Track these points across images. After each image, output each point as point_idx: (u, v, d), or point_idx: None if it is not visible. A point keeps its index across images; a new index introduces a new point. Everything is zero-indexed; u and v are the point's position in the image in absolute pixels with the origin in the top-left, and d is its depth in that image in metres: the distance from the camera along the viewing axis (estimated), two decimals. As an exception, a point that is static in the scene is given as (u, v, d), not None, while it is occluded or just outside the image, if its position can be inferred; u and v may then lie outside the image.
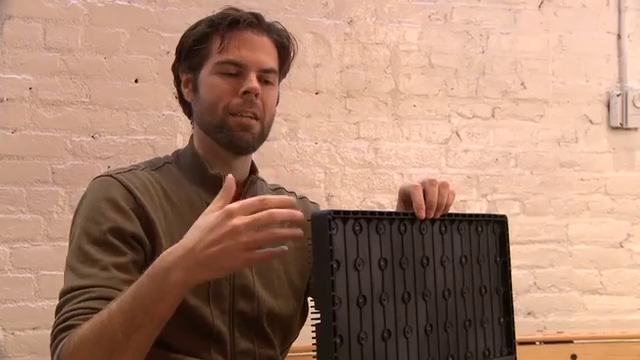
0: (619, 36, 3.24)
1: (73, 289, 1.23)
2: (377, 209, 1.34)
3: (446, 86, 3.04)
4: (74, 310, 1.20)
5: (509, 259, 1.40)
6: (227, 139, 1.39)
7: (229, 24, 1.38)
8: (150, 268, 1.14)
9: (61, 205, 2.49)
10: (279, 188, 1.59)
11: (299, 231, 1.13)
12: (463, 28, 3.08)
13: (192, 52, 1.41)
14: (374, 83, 2.94)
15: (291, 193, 1.59)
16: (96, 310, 1.17)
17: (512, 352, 1.38)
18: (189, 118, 1.50)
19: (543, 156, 3.15)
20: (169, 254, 1.13)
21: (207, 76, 1.39)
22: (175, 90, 1.50)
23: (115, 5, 2.63)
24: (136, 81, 2.65)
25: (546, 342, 2.81)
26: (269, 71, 1.41)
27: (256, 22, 1.41)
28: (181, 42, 1.45)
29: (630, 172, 3.22)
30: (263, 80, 1.40)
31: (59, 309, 1.23)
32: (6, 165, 2.49)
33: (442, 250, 1.27)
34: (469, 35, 3.08)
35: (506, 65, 3.12)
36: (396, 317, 1.17)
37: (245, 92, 1.36)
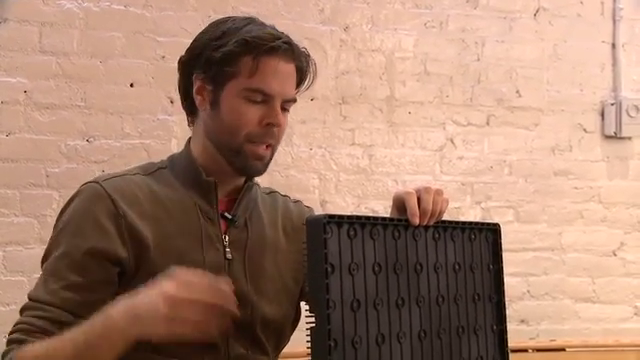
0: (614, 45, 3.26)
1: (35, 300, 1.31)
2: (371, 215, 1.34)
3: (441, 93, 3.05)
4: (25, 324, 1.28)
5: (502, 267, 1.40)
6: (241, 165, 1.39)
7: (266, 51, 1.35)
8: (104, 310, 1.22)
9: (55, 209, 2.48)
10: (273, 192, 1.58)
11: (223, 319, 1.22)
12: (458, 36, 3.09)
13: (217, 66, 1.37)
14: (369, 90, 2.95)
15: (285, 197, 1.59)
16: (44, 331, 1.26)
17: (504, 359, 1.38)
18: (189, 119, 1.47)
19: (537, 164, 3.16)
20: (122, 301, 1.21)
21: (232, 97, 1.36)
22: (172, 91, 1.49)
23: (111, 9, 2.63)
24: (131, 85, 2.65)
25: (539, 350, 2.82)
26: (291, 101, 1.41)
27: (290, 51, 1.38)
28: (202, 46, 1.40)
29: (624, 181, 3.23)
30: (282, 108, 1.39)
31: (20, 313, 1.32)
32: (1, 168, 2.49)
33: (435, 257, 1.27)
34: (464, 43, 3.09)
35: (501, 73, 3.13)
36: (390, 322, 1.17)
37: (268, 124, 1.37)
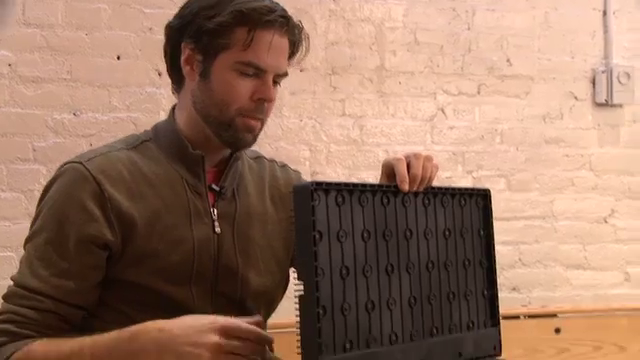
0: (605, 12, 3.23)
1: (23, 287, 1.27)
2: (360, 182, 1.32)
3: (432, 63, 3.02)
4: (15, 314, 1.25)
5: (492, 233, 1.40)
6: (231, 139, 1.37)
7: (261, 24, 1.32)
8: (131, 333, 1.19)
9: (42, 183, 2.44)
10: (259, 157, 1.56)
11: None
12: (449, 5, 3.05)
13: (208, 36, 1.33)
14: (359, 60, 2.92)
15: (272, 162, 1.57)
16: (38, 323, 1.24)
17: (496, 324, 1.38)
18: (175, 87, 1.44)
19: (528, 132, 3.15)
20: (154, 330, 1.18)
21: (224, 70, 1.33)
22: (159, 63, 1.46)
23: (95, -19, 2.59)
24: (118, 58, 2.60)
25: (530, 316, 2.82)
26: (283, 75, 1.39)
27: (285, 24, 1.35)
28: (194, 14, 1.35)
29: (615, 148, 3.22)
30: (274, 81, 1.38)
31: (5, 299, 1.28)
32: (-15, 142, 2.46)
33: (425, 223, 1.27)
34: (455, 12, 3.06)
35: (492, 42, 3.10)
36: (380, 289, 1.17)
37: (260, 99, 1.35)
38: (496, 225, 3.12)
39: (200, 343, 1.14)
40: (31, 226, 1.34)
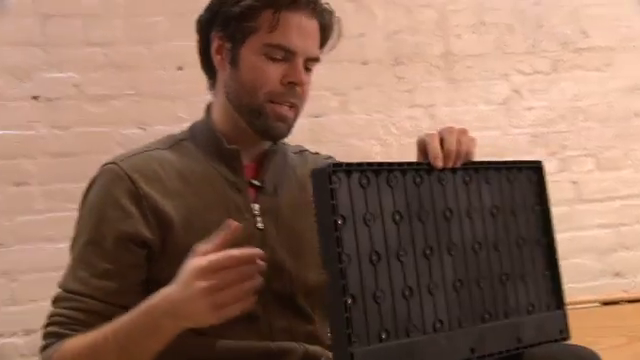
0: (688, -28, 3.04)
1: (66, 290, 1.28)
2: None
3: (501, 43, 2.91)
4: (61, 316, 1.25)
5: (549, 207, 1.29)
6: (262, 127, 1.33)
7: (287, 4, 1.30)
8: (144, 312, 1.16)
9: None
10: (303, 151, 1.52)
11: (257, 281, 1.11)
12: (514, -19, 2.94)
13: (236, 22, 1.32)
14: (424, 47, 2.84)
15: (316, 154, 1.53)
16: (81, 322, 1.23)
17: (560, 306, 1.28)
18: (210, 84, 1.43)
19: (614, 106, 2.98)
20: (162, 302, 1.14)
21: (251, 54, 1.31)
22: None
23: (152, -5, 2.62)
24: (180, 68, 2.62)
25: (630, 301, 2.64)
26: (314, 59, 1.35)
27: (312, 6, 1.32)
28: (220, 2, 1.34)
29: None
30: (305, 67, 1.33)
31: (53, 303, 1.29)
32: (61, 163, 2.51)
33: (468, 201, 1.18)
34: (521, -12, 2.94)
35: (564, 15, 2.96)
36: (418, 273, 1.09)
37: (290, 82, 1.31)
38: (589, 207, 2.97)
39: (193, 296, 1.08)
40: (74, 231, 1.34)
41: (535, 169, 1.29)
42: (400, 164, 1.11)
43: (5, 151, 2.46)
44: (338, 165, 1.03)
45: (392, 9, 2.81)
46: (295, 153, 1.49)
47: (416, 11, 2.84)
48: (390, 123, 2.79)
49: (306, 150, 1.53)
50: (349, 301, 1.00)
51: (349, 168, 1.04)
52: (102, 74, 2.56)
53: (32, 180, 2.47)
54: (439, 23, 2.86)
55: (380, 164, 1.08)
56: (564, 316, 1.27)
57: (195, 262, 1.10)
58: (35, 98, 2.50)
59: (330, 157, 1.56)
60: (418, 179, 1.12)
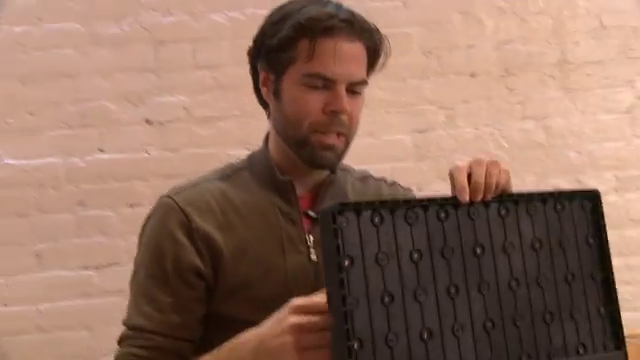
0: None
1: (131, 327, 1.29)
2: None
3: (624, 47, 2.72)
4: (128, 355, 1.27)
5: (606, 239, 1.19)
6: (310, 157, 1.31)
7: (321, 32, 1.27)
8: (233, 342, 1.15)
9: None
10: (366, 177, 1.48)
11: None
12: (639, -20, 2.75)
13: (275, 53, 1.31)
14: (537, 56, 2.71)
15: (379, 181, 1.49)
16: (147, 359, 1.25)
17: (620, 346, 1.17)
18: (266, 113, 1.42)
19: None
20: (251, 335, 1.12)
21: (291, 85, 1.29)
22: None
23: (256, 15, 2.65)
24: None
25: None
26: (360, 83, 1.31)
27: (350, 29, 1.28)
28: (262, 34, 1.35)
29: None
30: (351, 91, 1.30)
31: (119, 343, 1.31)
32: (172, 184, 2.58)
33: (504, 235, 1.11)
34: (647, -13, 2.74)
35: (696, 13, 2.73)
36: (439, 314, 1.04)
37: (333, 111, 1.28)
38: None
39: (281, 331, 1.05)
40: (134, 264, 1.37)
41: (590, 198, 1.19)
42: (421, 200, 1.06)
43: (120, 174, 2.59)
44: (345, 204, 1.00)
45: (503, 19, 2.71)
46: (358, 179, 1.46)
47: (529, 19, 2.71)
48: (500, 136, 2.68)
49: (371, 176, 1.50)
50: (355, 345, 0.96)
51: (357, 207, 1.01)
52: (210, 96, 2.64)
53: (145, 201, 2.58)
54: (555, 30, 2.71)
55: (395, 201, 1.04)
56: (624, 356, 1.17)
57: (294, 300, 1.08)
58: (148, 122, 2.62)
59: (395, 183, 1.52)
60: (443, 214, 1.07)
